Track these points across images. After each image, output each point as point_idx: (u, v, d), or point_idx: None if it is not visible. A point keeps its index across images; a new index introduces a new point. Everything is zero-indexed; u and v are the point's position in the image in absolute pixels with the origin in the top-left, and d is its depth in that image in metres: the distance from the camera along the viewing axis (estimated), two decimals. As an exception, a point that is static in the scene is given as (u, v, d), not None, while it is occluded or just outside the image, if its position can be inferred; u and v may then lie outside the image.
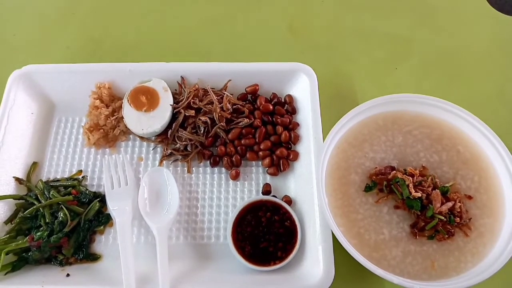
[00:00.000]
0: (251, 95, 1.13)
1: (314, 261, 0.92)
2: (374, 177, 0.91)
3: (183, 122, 1.07)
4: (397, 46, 1.28)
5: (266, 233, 0.97)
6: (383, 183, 0.90)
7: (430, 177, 0.90)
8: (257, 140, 1.07)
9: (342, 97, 1.17)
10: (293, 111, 1.11)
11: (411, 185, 0.87)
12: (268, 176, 1.07)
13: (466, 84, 1.22)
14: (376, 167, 0.92)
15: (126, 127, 1.08)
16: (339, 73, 1.23)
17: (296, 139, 1.08)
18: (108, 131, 1.10)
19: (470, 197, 0.89)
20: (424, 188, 0.88)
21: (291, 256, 0.94)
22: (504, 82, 1.22)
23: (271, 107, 1.09)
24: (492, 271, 0.80)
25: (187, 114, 1.05)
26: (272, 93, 1.13)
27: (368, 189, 0.90)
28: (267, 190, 1.04)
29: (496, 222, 0.87)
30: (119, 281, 0.89)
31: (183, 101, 1.07)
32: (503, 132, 0.93)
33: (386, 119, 0.98)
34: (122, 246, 0.93)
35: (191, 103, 1.06)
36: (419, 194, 0.86)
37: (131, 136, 1.12)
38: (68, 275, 0.94)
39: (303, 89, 1.10)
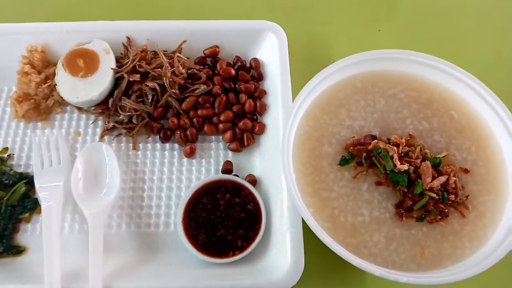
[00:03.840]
0: (210, 59, 0.97)
1: (280, 250, 0.77)
2: (351, 148, 0.75)
3: (127, 89, 0.90)
4: (379, 5, 1.13)
5: (224, 219, 0.81)
6: (362, 155, 0.74)
7: (419, 147, 0.74)
8: (216, 110, 0.91)
9: (317, 62, 1.01)
10: (259, 77, 0.95)
11: (395, 156, 0.72)
12: (229, 153, 0.91)
13: (459, 47, 1.08)
14: (354, 137, 0.76)
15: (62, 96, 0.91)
16: (314, 36, 1.08)
17: (263, 109, 0.91)
18: (39, 101, 0.93)
19: (466, 171, 0.74)
20: (412, 160, 0.72)
21: (254, 244, 0.79)
22: (501, 44, 1.08)
23: (233, 72, 0.93)
24: (495, 258, 0.65)
25: (131, 79, 0.89)
26: (236, 56, 0.97)
27: (344, 162, 0.74)
28: (227, 168, 0.88)
29: (498, 200, 0.72)
30: (43, 277, 0.73)
31: (128, 64, 0.90)
32: (503, 99, 0.79)
33: (365, 80, 0.82)
34: (46, 235, 0.77)
35: (137, 66, 0.90)
36: (405, 167, 0.71)
37: (68, 107, 0.95)
38: (-19, 272, 0.77)
39: (271, 52, 0.95)
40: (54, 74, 0.93)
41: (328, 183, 0.73)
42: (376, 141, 0.74)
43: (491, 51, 1.07)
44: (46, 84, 0.92)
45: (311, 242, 0.75)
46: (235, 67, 0.95)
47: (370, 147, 0.74)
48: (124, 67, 0.90)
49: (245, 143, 0.90)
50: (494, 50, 1.08)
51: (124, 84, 0.89)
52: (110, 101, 0.90)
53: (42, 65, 0.95)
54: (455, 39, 1.09)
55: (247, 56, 0.97)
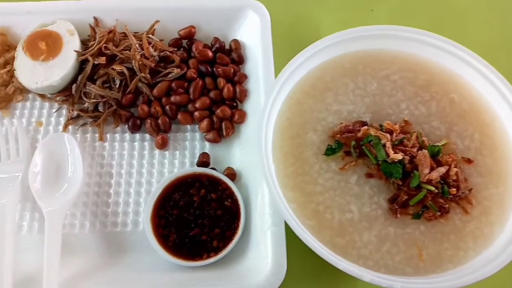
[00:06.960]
0: (186, 41, 0.88)
1: (260, 252, 0.70)
2: (338, 136, 0.67)
3: (93, 74, 0.81)
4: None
5: (198, 217, 0.73)
6: (350, 144, 0.66)
7: (415, 134, 0.66)
8: (191, 96, 0.82)
9: (303, 45, 0.90)
10: (240, 60, 0.86)
11: (388, 145, 0.63)
12: (207, 144, 0.82)
13: (459, 29, 0.99)
14: (342, 123, 0.68)
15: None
16: (301, 16, 0.99)
17: (243, 94, 0.83)
18: (-2, 88, 0.85)
19: (469, 161, 0.66)
20: (407, 149, 0.64)
21: (231, 245, 0.71)
22: (504, 26, 1.00)
23: (210, 54, 0.84)
24: (503, 261, 0.57)
25: (96, 62, 0.80)
26: (214, 37, 0.88)
27: (330, 151, 0.66)
28: (203, 161, 0.79)
29: (505, 193, 0.64)
30: (-8, 285, 0.66)
31: (93, 46, 0.81)
32: (509, 81, 0.70)
33: (355, 61, 0.73)
34: (-4, 237, 0.68)
35: (103, 48, 0.81)
36: (399, 157, 0.62)
37: (30, 95, 0.87)
38: None
39: (253, 32, 0.86)
40: (14, 58, 0.84)
41: (312, 175, 0.65)
42: (366, 127, 0.66)
43: (494, 33, 0.99)
44: (5, 69, 0.84)
45: (295, 242, 0.66)
46: (213, 49, 0.86)
47: (359, 134, 0.65)
48: (89, 49, 0.81)
49: (224, 133, 0.81)
50: (497, 32, 0.99)
51: (88, 68, 0.80)
52: (74, 86, 0.81)
53: (2, 49, 0.87)
54: (455, 18, 1.00)
55: (226, 38, 0.89)
